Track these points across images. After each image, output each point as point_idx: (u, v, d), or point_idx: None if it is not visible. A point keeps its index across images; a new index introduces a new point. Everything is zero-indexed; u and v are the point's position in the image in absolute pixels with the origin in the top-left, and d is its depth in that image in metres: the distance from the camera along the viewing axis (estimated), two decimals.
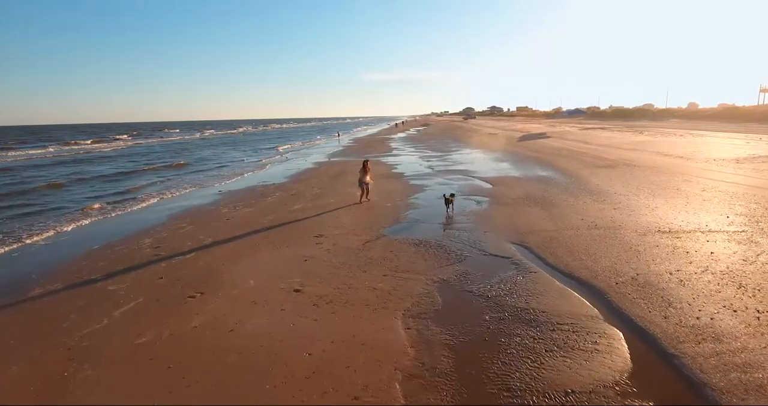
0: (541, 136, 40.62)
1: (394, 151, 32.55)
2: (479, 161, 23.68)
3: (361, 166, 13.33)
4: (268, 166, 26.26)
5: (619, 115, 73.97)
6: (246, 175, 22.45)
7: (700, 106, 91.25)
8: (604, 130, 41.76)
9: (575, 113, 61.52)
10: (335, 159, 28.55)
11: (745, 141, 26.08)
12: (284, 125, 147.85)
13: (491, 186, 15.66)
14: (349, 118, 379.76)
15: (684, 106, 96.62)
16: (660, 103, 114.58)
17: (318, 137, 62.69)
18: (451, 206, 11.63)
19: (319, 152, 35.45)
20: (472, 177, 17.91)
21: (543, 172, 18.53)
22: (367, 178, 13.26)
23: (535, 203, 12.41)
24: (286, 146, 45.69)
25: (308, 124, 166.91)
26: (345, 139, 54.17)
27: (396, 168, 22.17)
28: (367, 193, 13.48)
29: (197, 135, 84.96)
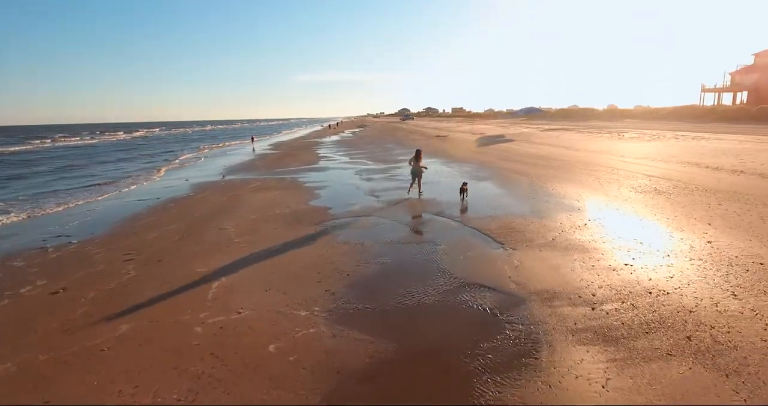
0: (502, 139, 34.01)
1: (322, 162, 23.85)
2: (447, 180, 15.50)
3: (414, 156, 12.23)
4: (123, 187, 16.58)
5: (564, 116, 70.65)
6: (59, 211, 12.77)
7: (618, 107, 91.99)
8: (569, 132, 36.02)
9: (531, 112, 56.29)
10: (231, 177, 19.30)
11: None
12: (232, 126, 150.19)
13: (501, 247, 7.66)
14: (283, 119, 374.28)
15: (605, 107, 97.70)
16: (581, 105, 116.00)
17: (236, 141, 53.69)
18: (464, 194, 11.18)
19: (218, 165, 25.86)
20: (451, 218, 9.93)
21: (568, 203, 10.95)
22: (421, 168, 12.13)
23: (656, 330, 4.54)
24: (185, 154, 35.71)
25: (258, 124, 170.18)
26: (264, 144, 44.47)
27: (318, 196, 13.63)
28: (419, 185, 12.48)
29: (90, 140, 71.39)
